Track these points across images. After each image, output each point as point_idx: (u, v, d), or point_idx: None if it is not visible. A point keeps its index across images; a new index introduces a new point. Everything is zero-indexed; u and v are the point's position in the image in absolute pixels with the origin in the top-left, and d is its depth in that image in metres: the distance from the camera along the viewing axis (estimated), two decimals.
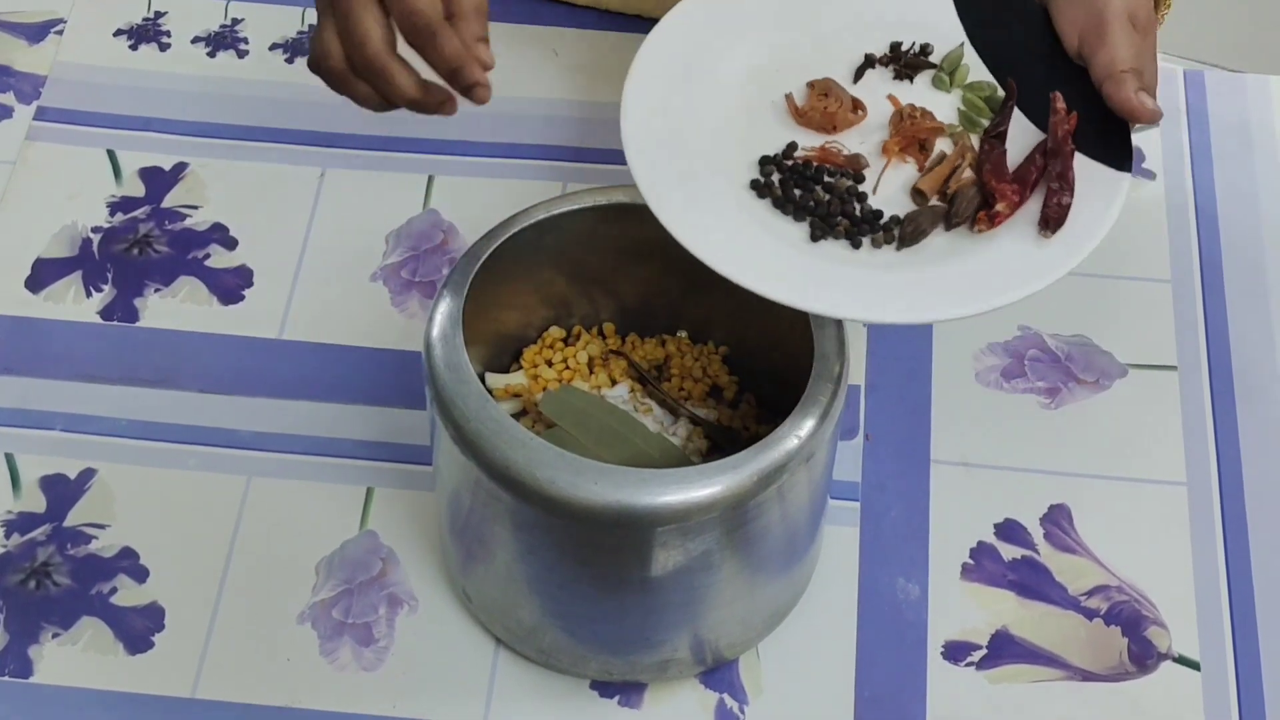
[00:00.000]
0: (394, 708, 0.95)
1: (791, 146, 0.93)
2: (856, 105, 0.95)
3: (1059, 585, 1.00)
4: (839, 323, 0.89)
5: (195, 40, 1.24)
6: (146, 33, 1.24)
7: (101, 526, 1.01)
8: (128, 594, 0.98)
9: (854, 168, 0.93)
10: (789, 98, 0.95)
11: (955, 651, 0.97)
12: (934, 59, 0.98)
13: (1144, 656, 0.97)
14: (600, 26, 1.24)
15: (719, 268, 0.85)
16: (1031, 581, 1.00)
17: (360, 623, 0.97)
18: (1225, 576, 1.00)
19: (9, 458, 1.03)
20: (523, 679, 0.96)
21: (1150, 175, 1.17)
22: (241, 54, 1.23)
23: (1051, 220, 0.89)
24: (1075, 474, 1.04)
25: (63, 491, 1.02)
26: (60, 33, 1.24)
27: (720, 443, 0.96)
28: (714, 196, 0.90)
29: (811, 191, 0.91)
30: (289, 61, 1.22)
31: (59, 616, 0.98)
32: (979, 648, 0.97)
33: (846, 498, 1.02)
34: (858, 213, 0.91)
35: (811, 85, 0.96)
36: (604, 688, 0.96)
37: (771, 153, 0.93)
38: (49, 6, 1.25)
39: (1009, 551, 1.01)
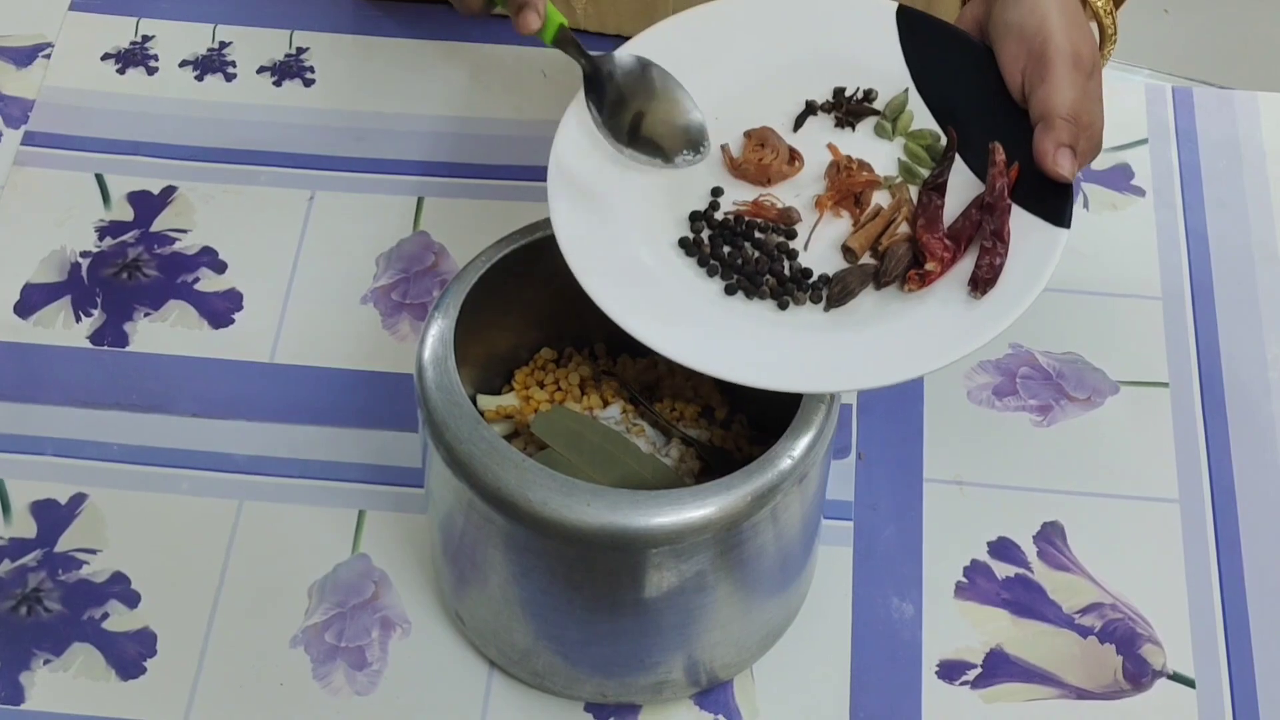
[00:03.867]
0: None
1: (717, 192, 0.91)
2: (793, 156, 0.92)
3: (1053, 603, 0.99)
4: None
5: (183, 64, 1.24)
6: (134, 57, 1.24)
7: (93, 552, 1.00)
8: (119, 619, 0.98)
9: (785, 222, 0.90)
10: (725, 149, 0.92)
11: (950, 671, 0.97)
12: (879, 105, 0.94)
13: (1139, 674, 0.97)
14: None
15: (640, 335, 0.84)
16: (1025, 600, 1.00)
17: (353, 646, 0.97)
18: (1219, 593, 1.00)
19: None
20: (517, 702, 0.96)
21: (1140, 192, 1.17)
22: (229, 77, 1.23)
23: (981, 281, 0.85)
24: (1068, 491, 1.04)
25: (54, 517, 1.02)
26: (48, 57, 1.24)
27: (713, 464, 0.96)
28: (641, 256, 0.88)
29: (740, 249, 0.89)
30: (277, 85, 1.22)
31: (50, 643, 0.97)
32: (974, 667, 0.97)
33: (840, 517, 1.02)
34: (786, 271, 0.88)
35: (749, 135, 0.93)
36: (598, 710, 0.96)
37: (702, 208, 0.91)
38: (36, 30, 1.25)
39: (1003, 570, 1.01)
